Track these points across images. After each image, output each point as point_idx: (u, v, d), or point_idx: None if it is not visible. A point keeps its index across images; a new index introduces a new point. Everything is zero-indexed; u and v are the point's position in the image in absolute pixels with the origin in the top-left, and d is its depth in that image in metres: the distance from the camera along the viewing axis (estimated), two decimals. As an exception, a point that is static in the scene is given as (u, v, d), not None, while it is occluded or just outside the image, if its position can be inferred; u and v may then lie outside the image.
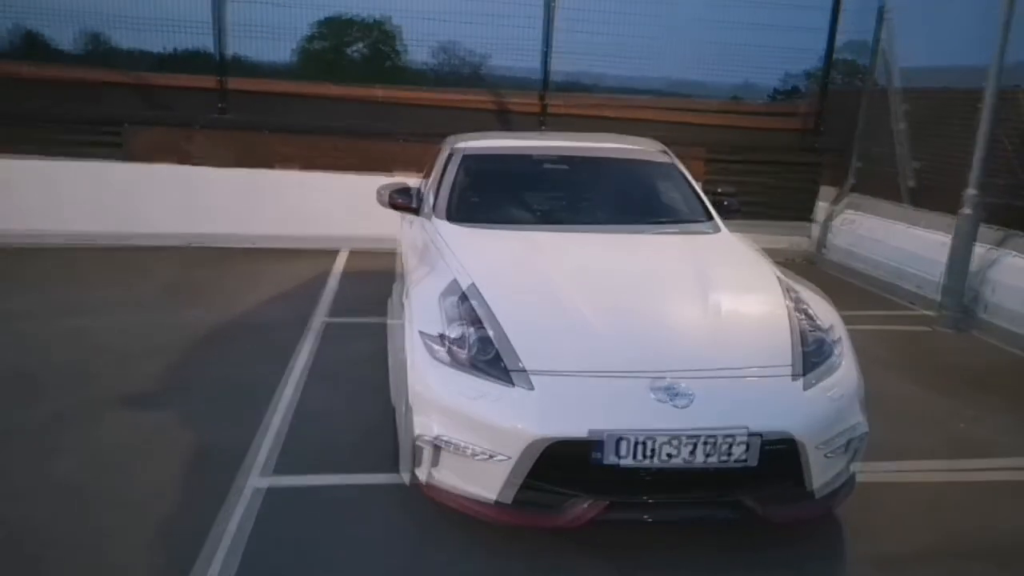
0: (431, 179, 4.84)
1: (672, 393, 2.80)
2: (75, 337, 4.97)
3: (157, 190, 7.66)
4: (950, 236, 6.29)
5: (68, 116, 7.60)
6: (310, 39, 8.88)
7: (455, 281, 3.34)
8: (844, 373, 3.11)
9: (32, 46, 7.74)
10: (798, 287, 3.59)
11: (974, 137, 6.07)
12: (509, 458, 2.73)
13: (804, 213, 8.97)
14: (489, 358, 2.92)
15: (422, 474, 2.94)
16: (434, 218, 4.25)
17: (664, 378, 2.84)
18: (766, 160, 8.74)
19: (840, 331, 3.31)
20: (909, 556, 3.04)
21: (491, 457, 2.75)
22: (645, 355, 2.96)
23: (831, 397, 2.98)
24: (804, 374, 2.99)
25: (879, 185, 8.10)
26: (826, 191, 8.89)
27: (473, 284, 3.29)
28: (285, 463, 3.49)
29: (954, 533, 3.21)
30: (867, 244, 7.85)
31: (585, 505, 2.74)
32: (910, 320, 6.49)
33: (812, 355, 3.09)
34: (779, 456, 2.83)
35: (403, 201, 4.58)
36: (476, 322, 3.06)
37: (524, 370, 2.85)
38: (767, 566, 2.94)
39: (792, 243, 8.92)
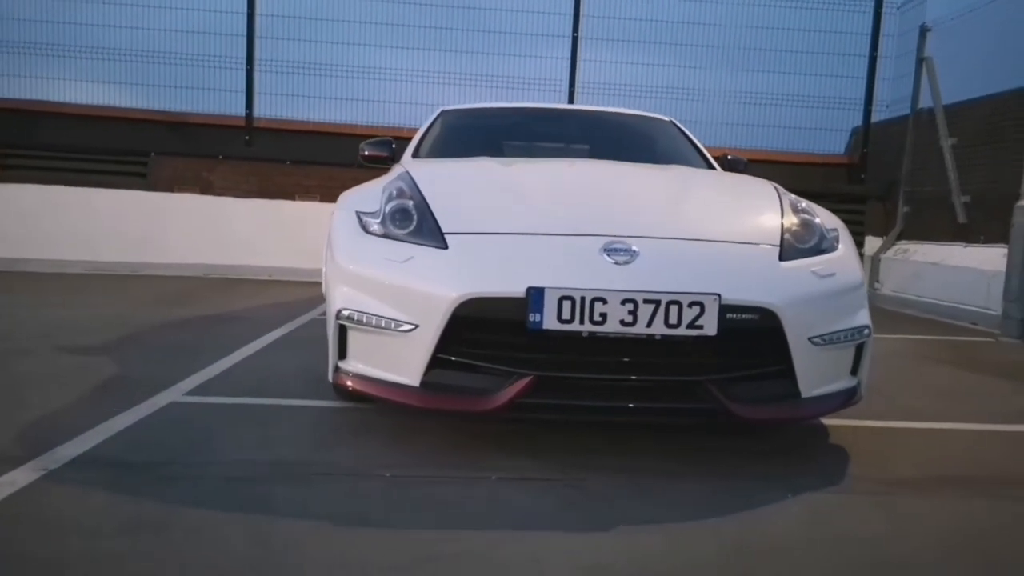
0: None
1: (615, 251, 2.36)
2: (47, 318, 4.79)
3: (177, 220, 7.67)
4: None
5: (96, 147, 7.78)
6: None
7: (395, 178, 3.01)
8: (838, 256, 2.60)
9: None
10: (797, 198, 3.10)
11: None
12: (418, 325, 2.32)
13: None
14: (410, 229, 2.54)
15: (344, 364, 2.52)
16: (402, 159, 3.93)
17: (606, 238, 2.40)
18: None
19: (842, 232, 2.81)
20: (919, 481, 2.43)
21: (400, 326, 2.34)
22: (590, 220, 2.54)
23: (817, 272, 2.47)
24: (789, 254, 2.51)
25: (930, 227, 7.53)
26: (871, 242, 8.31)
27: (406, 172, 2.96)
28: (211, 388, 3.19)
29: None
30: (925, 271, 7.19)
31: (522, 384, 2.27)
32: (974, 334, 5.80)
33: (801, 241, 2.60)
34: (752, 335, 2.32)
35: (375, 152, 4.22)
36: (399, 196, 2.71)
37: (442, 232, 2.47)
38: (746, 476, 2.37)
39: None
